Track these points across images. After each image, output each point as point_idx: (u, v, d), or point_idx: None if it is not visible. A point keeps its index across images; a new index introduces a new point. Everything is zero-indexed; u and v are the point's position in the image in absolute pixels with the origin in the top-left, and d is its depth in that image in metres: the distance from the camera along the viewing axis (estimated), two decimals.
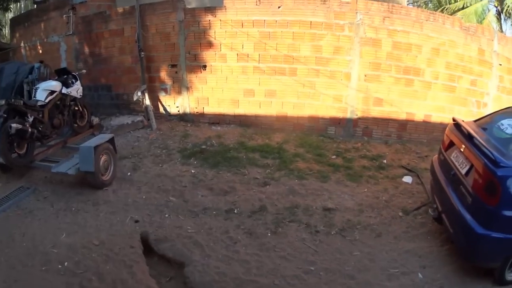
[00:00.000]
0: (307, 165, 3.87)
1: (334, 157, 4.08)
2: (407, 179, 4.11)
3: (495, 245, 2.78)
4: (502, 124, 3.36)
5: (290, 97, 4.55)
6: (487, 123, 3.53)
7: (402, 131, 4.73)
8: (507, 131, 3.27)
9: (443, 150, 3.46)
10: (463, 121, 3.38)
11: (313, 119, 4.54)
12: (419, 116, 4.81)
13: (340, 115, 4.53)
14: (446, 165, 3.34)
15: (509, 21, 10.28)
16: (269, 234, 2.84)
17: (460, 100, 5.18)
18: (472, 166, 2.94)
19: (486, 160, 2.76)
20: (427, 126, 4.90)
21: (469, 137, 3.08)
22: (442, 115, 5.00)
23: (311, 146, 4.17)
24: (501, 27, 10.15)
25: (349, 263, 2.77)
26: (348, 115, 4.52)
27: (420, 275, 2.88)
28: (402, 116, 4.69)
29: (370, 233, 3.18)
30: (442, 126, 5.04)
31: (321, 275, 2.61)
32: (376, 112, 4.58)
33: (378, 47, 4.65)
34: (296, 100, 4.55)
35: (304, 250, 2.77)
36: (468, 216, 2.77)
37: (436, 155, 3.66)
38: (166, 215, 3.02)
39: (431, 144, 4.86)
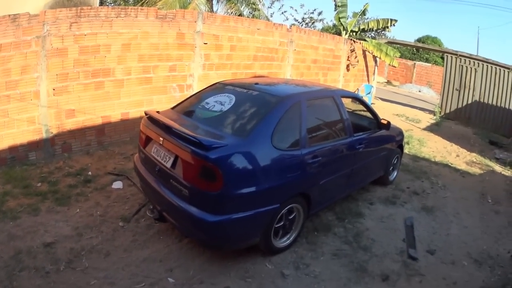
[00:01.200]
0: (17, 201, 3.90)
1: (39, 184, 4.35)
2: (117, 184, 4.52)
3: (241, 225, 2.82)
4: (208, 103, 3.42)
5: None
6: (190, 106, 3.63)
7: (101, 136, 5.52)
8: (215, 109, 3.29)
9: (141, 147, 3.47)
10: (157, 112, 3.42)
11: (14, 149, 4.75)
12: (116, 117, 5.65)
13: (37, 137, 4.92)
14: (149, 162, 3.29)
15: (223, 2, 11.28)
16: None
17: (158, 89, 6.18)
18: (177, 157, 2.89)
19: (192, 147, 2.70)
20: (126, 125, 5.81)
21: (166, 128, 3.02)
22: (140, 109, 5.97)
23: (17, 179, 4.36)
24: (211, 8, 11.30)
25: None
26: (44, 135, 4.98)
27: (170, 279, 2.93)
28: (98, 121, 5.43)
29: (98, 255, 3.22)
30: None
31: None
32: (71, 124, 5.17)
33: (64, 56, 5.00)
34: None
35: None
36: (192, 209, 2.72)
37: (137, 154, 3.72)
38: None
39: (134, 141, 5.83)
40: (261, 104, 3.23)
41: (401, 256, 3.59)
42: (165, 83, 6.28)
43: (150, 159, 3.24)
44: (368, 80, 13.17)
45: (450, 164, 6.93)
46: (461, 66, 11.65)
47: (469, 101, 11.61)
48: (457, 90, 11.80)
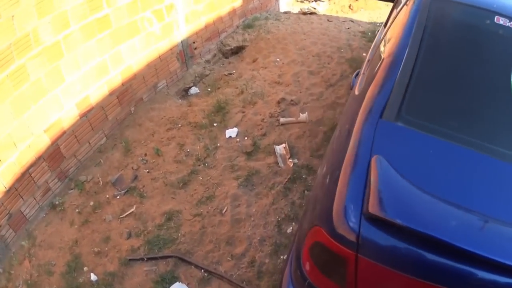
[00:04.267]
0: None
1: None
2: None
3: None
4: None
5: None
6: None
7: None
8: None
9: None
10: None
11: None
12: (61, 120, 3.01)
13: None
14: None
15: None
16: None
17: (125, 31, 3.50)
18: None
19: None
20: (81, 126, 3.24)
21: None
22: (107, 78, 3.35)
23: None
24: None
25: None
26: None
27: None
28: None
29: None
30: None
31: None
32: None
33: None
34: None
35: None
36: None
37: None
38: None
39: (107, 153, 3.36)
40: None
41: None
42: (132, 15, 3.50)
43: None
44: None
45: None
46: None
47: None
48: None
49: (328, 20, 5.53)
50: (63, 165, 3.05)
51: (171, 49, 4.06)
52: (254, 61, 4.50)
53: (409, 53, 1.47)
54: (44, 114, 2.84)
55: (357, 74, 2.35)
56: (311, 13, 5.78)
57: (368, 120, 1.33)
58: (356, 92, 1.69)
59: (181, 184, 2.94)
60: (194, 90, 4.15)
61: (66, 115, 3.04)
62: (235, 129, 3.33)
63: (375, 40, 2.77)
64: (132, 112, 3.73)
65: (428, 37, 1.52)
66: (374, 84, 1.47)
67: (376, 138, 1.25)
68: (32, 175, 2.77)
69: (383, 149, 1.22)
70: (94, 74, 3.24)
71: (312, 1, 6.96)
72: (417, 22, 1.59)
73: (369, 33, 5.09)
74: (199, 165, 3.09)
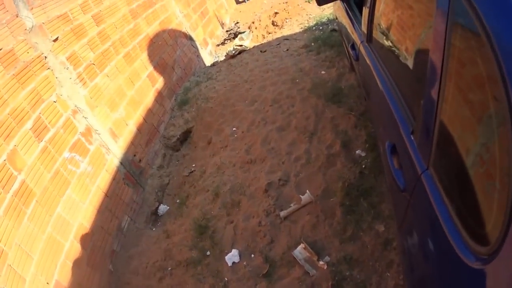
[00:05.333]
0: None
1: None
2: None
3: None
4: None
5: None
6: None
7: None
8: None
9: None
10: None
11: None
12: None
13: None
14: None
15: None
16: None
17: (58, 187, 2.87)
18: None
19: None
20: None
21: None
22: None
23: None
24: None
25: None
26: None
27: None
28: None
29: None
30: None
31: None
32: None
33: None
34: None
35: None
36: None
37: None
38: None
39: None
40: None
41: None
42: (51, 167, 2.91)
43: None
44: None
45: None
46: None
47: None
48: None
49: (261, 51, 5.04)
50: None
51: (114, 179, 3.44)
52: (209, 142, 3.87)
53: None
54: None
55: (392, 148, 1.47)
56: (240, 52, 5.29)
57: None
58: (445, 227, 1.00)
59: None
60: (163, 208, 3.52)
61: None
62: (235, 252, 2.68)
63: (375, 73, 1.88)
64: (112, 270, 3.08)
65: None
66: None
67: None
68: None
69: None
70: (48, 258, 2.64)
71: (232, 39, 6.48)
72: None
73: (312, 44, 4.62)
74: None
